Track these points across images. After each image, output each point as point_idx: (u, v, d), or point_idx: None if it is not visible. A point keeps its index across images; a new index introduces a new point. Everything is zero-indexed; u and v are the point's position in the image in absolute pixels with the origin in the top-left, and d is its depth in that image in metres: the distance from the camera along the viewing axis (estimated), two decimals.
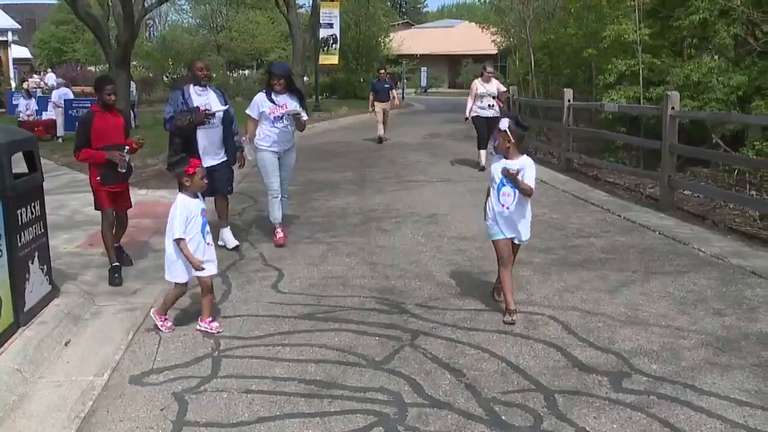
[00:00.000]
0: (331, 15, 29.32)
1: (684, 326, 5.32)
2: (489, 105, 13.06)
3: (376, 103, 18.46)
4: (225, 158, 7.65)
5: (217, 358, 4.81)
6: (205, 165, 6.68)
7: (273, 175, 7.89)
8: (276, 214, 7.93)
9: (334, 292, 6.21)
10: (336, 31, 29.45)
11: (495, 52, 31.70)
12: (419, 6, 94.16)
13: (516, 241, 5.50)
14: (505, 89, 13.72)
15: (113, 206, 6.67)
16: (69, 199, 10.13)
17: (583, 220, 8.96)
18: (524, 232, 5.48)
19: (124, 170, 6.49)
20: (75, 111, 18.53)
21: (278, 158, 7.90)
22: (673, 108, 9.82)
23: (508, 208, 5.37)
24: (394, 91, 19.10)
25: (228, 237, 7.74)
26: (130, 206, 7.04)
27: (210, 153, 7.43)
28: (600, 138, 14.65)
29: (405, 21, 72.47)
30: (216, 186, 7.45)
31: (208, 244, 5.35)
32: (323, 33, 29.04)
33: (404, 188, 11.49)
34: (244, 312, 5.70)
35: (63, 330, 5.25)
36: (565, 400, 4.15)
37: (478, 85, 13.21)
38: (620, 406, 4.08)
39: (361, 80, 40.31)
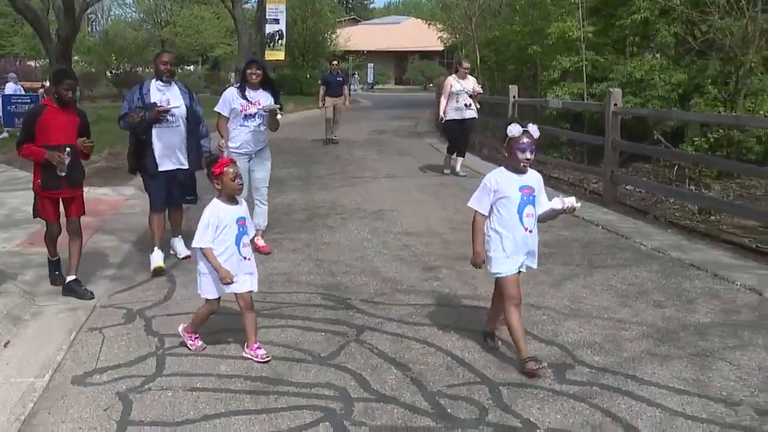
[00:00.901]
0: (277, 10, 29.09)
1: (625, 318, 5.42)
2: (465, 104, 11.91)
3: (327, 98, 17.38)
4: (186, 164, 6.77)
5: (161, 357, 4.74)
6: (161, 169, 6.61)
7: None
8: (257, 219, 7.30)
9: (279, 288, 6.17)
10: (282, 26, 29.23)
11: (441, 48, 31.89)
12: (366, 2, 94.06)
13: (524, 269, 4.70)
14: (480, 89, 12.54)
15: (57, 217, 6.00)
16: (8, 197, 9.89)
17: None
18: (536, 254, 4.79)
19: (63, 173, 5.71)
20: (13, 107, 18.06)
21: (248, 160, 7.24)
22: (615, 105, 9.99)
23: (530, 231, 4.63)
24: (346, 87, 18.00)
25: (179, 246, 7.14)
26: (83, 213, 6.15)
27: (168, 156, 6.64)
28: (544, 134, 14.79)
29: (352, 17, 72.37)
30: (174, 191, 6.82)
31: (245, 258, 4.74)
32: (269, 28, 28.80)
33: (350, 184, 11.47)
34: (190, 309, 5.60)
35: (2, 330, 5.11)
36: (509, 392, 4.19)
37: (452, 82, 12.03)
38: (564, 396, 4.13)
39: (308, 76, 40.20)
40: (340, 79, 17.78)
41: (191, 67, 57.90)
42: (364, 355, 4.75)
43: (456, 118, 11.97)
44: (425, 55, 55.69)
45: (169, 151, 6.66)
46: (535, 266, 4.78)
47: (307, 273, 6.63)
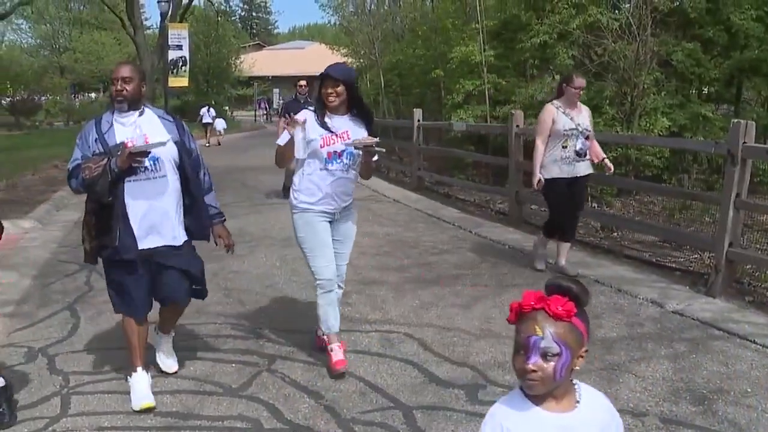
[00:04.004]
0: (179, 36, 28.73)
1: None
2: (578, 152, 6.95)
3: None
4: (183, 236, 4.43)
5: (66, 396, 4.53)
6: (142, 246, 4.23)
7: (322, 254, 4.84)
8: (331, 320, 4.92)
9: (188, 320, 5.99)
10: (185, 52, 28.86)
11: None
12: (270, 27, 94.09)
13: None
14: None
15: None
16: None
17: (436, 238, 9.13)
18: None
19: None
20: None
21: (330, 222, 4.91)
22: (518, 126, 10.21)
23: None
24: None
25: (166, 357, 4.91)
26: None
27: (151, 227, 4.25)
28: (450, 156, 15.03)
29: (256, 42, 72.25)
30: (166, 287, 4.42)
31: None
32: (172, 55, 28.40)
33: (257, 212, 11.32)
34: (95, 346, 5.41)
35: None
36: (423, 416, 4.17)
37: (557, 114, 6.94)
38: (477, 417, 4.14)
39: (213, 102, 39.80)
40: (311, 108, 13.04)
41: (93, 95, 56.60)
42: (276, 384, 4.67)
43: (563, 176, 7.01)
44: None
45: (152, 219, 4.25)
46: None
47: (216, 303, 6.48)
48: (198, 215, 4.53)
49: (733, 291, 6.59)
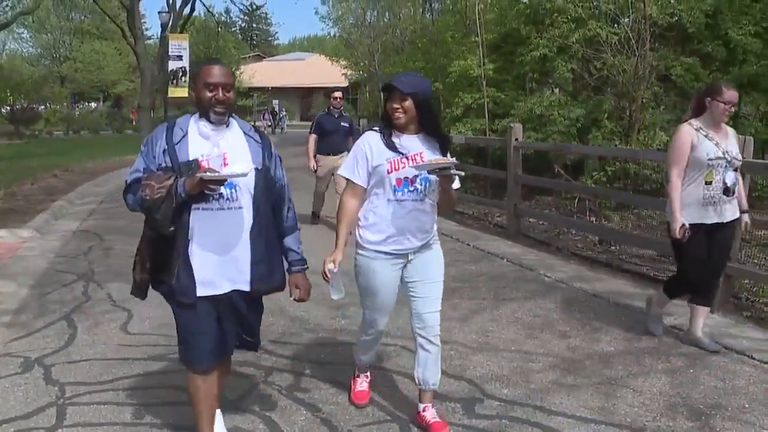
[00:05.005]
0: (180, 47, 28.83)
1: (532, 350, 5.49)
2: (726, 188, 5.33)
3: (321, 156, 10.50)
4: (255, 281, 3.55)
5: (62, 407, 4.51)
6: (203, 293, 3.46)
7: (380, 310, 4.24)
8: (363, 355, 4.57)
9: None
10: (185, 63, 28.94)
11: (346, 85, 32.15)
12: (270, 39, 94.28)
13: None
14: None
15: None
16: None
17: None
18: None
19: None
20: None
21: (402, 266, 4.09)
22: (516, 139, 10.22)
23: None
24: (352, 139, 9.80)
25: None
26: None
27: (218, 267, 3.46)
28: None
29: (256, 53, 72.37)
30: (221, 336, 3.59)
31: None
32: (172, 65, 28.51)
33: None
34: (92, 356, 5.39)
35: None
36: (419, 430, 4.16)
37: (696, 137, 5.32)
38: (474, 431, 4.14)
39: None
40: (346, 125, 10.47)
41: (93, 104, 56.67)
42: (273, 396, 4.66)
43: (704, 221, 5.38)
44: (330, 91, 55.99)
45: (220, 258, 3.46)
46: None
47: None
48: (274, 259, 3.66)
49: (731, 306, 6.59)
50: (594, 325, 6.10)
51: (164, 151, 3.41)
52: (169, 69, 28.49)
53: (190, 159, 3.38)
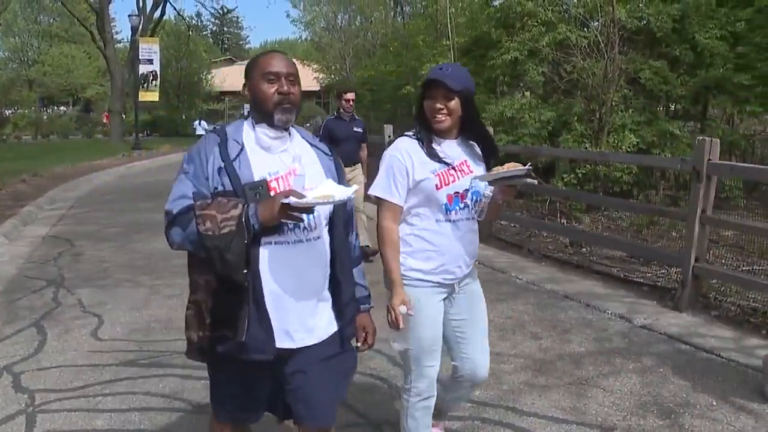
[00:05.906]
0: (150, 51, 28.68)
1: (504, 351, 5.53)
2: None
3: None
4: (335, 325, 2.87)
5: (31, 414, 4.47)
6: (283, 345, 2.67)
7: (430, 351, 3.47)
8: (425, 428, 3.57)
9: (157, 336, 5.97)
10: (156, 67, 28.82)
11: (318, 88, 32.10)
12: (242, 42, 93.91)
13: None
14: None
15: None
16: None
17: None
18: None
19: None
20: None
21: (445, 297, 3.43)
22: None
23: None
24: (365, 148, 9.27)
25: None
26: None
27: (300, 313, 2.70)
28: None
29: (227, 57, 72.00)
30: (312, 402, 2.84)
31: None
32: (143, 69, 28.36)
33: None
34: (61, 363, 5.35)
35: None
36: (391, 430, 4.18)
37: None
38: None
39: (183, 117, 39.64)
40: (359, 130, 9.00)
41: (62, 108, 56.10)
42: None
43: None
44: (302, 95, 55.94)
45: (299, 302, 2.70)
46: None
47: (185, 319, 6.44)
48: (341, 296, 2.88)
49: (700, 306, 6.67)
50: (565, 326, 6.15)
51: (219, 170, 2.58)
52: (140, 73, 28.33)
53: (256, 179, 2.58)
